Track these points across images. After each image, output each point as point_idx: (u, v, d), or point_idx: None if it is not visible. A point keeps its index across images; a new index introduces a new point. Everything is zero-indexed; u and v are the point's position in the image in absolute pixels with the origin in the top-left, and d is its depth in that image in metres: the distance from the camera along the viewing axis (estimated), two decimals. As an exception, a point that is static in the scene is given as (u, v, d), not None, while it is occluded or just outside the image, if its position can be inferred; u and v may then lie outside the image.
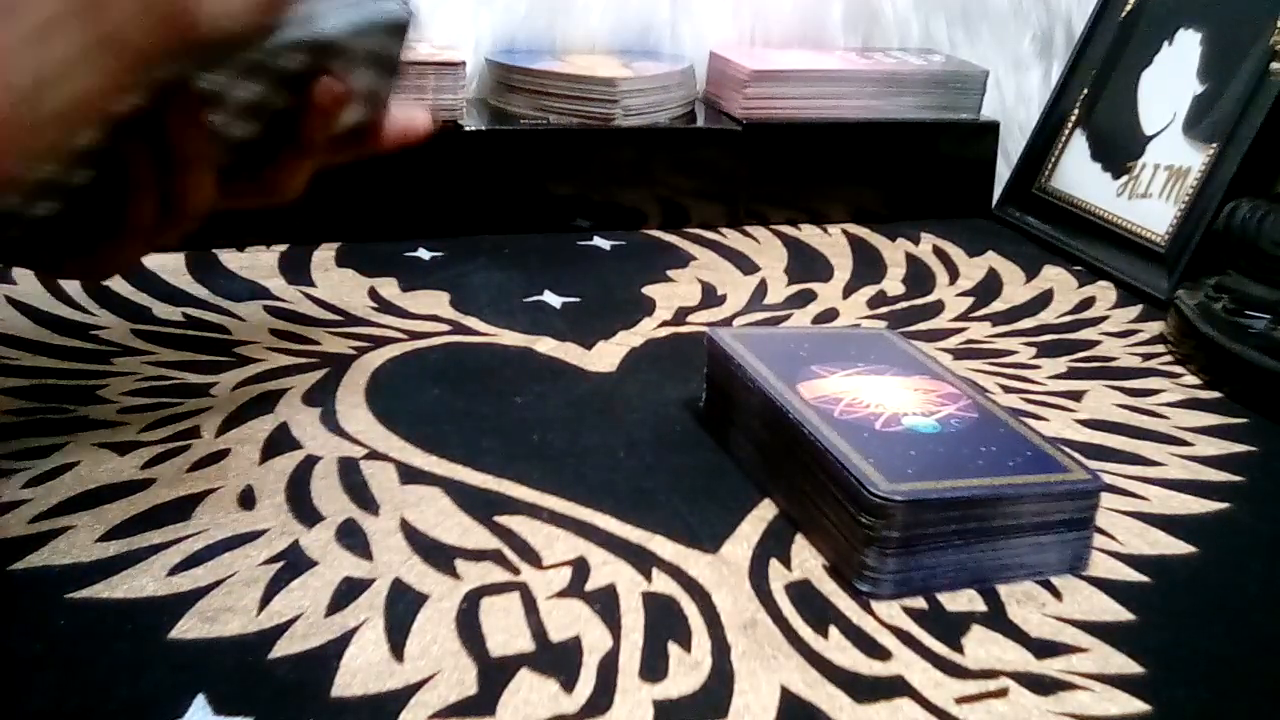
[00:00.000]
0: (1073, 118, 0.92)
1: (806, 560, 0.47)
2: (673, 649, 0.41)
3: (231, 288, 0.69)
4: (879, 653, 0.42)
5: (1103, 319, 0.76)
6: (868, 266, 0.83)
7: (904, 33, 1.00)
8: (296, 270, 0.73)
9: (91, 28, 0.36)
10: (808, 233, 0.89)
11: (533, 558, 0.46)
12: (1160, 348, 0.72)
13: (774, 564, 0.47)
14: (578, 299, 0.72)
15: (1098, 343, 0.72)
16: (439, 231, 0.80)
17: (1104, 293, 0.81)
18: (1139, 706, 0.40)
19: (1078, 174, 0.90)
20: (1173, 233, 0.80)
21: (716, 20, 0.95)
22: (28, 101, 0.35)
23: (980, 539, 0.46)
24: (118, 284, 0.68)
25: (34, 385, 0.56)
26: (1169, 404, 0.64)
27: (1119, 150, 0.87)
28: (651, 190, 0.87)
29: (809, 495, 0.48)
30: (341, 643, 0.40)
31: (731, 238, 0.87)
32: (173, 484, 0.49)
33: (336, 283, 0.72)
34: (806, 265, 0.82)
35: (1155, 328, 0.74)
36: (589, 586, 0.44)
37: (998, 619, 0.44)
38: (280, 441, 0.53)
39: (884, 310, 0.75)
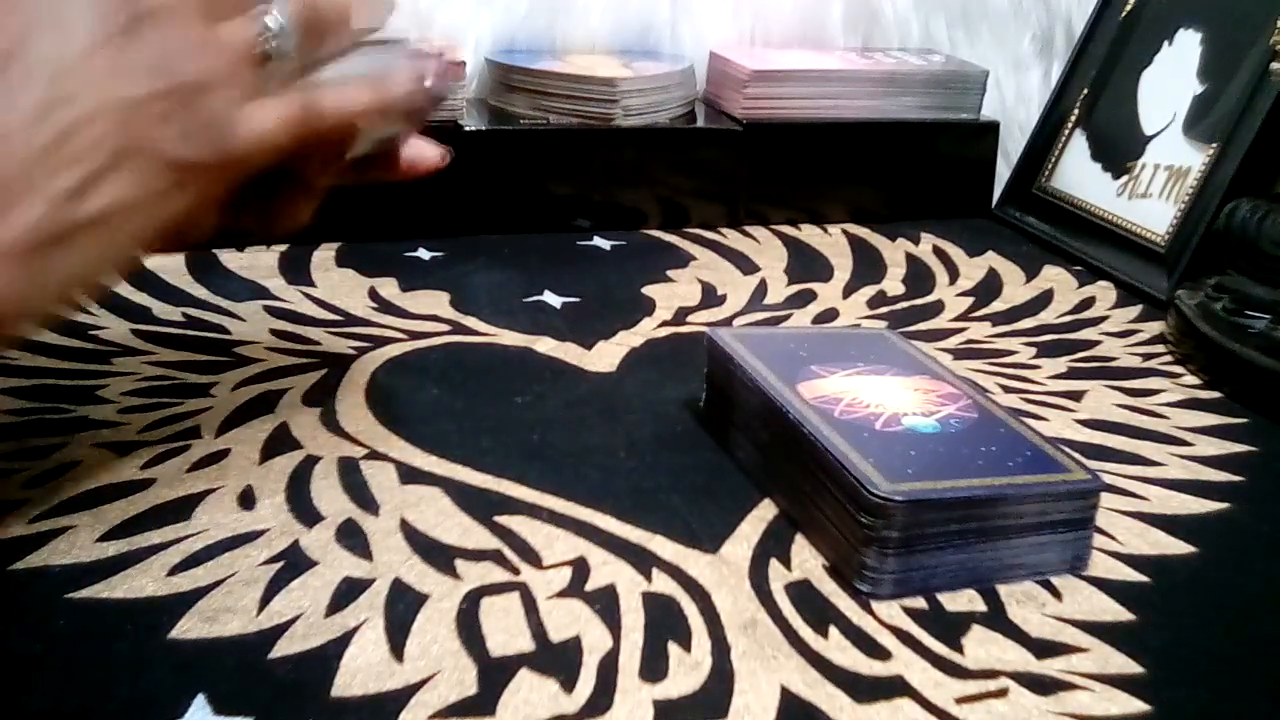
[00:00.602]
0: (1073, 118, 0.92)
1: (806, 560, 0.47)
2: (673, 649, 0.41)
3: (231, 288, 0.69)
4: (879, 653, 0.42)
5: (1103, 319, 0.76)
6: (868, 266, 0.83)
7: (904, 33, 1.00)
8: (296, 270, 0.73)
9: (146, 166, 0.37)
10: (808, 233, 0.89)
11: (533, 558, 0.46)
12: (1160, 348, 0.72)
13: (774, 564, 0.47)
14: (578, 299, 0.72)
15: (1098, 343, 0.72)
16: (439, 231, 0.81)
17: (1104, 293, 0.81)
18: (1139, 706, 0.40)
19: (1078, 174, 0.90)
20: (1173, 233, 0.80)
21: (716, 20, 0.95)
22: (62, 203, 0.36)
23: (980, 539, 0.46)
24: (118, 284, 0.68)
25: (34, 385, 0.56)
26: (1169, 404, 0.64)
27: (1119, 150, 0.87)
28: (651, 190, 0.87)
29: (809, 495, 0.48)
30: (341, 643, 0.40)
31: (731, 238, 0.87)
32: (173, 484, 0.49)
33: (336, 283, 0.72)
34: (806, 265, 0.82)
35: (1155, 328, 0.74)
36: (589, 586, 0.44)
37: (998, 619, 0.44)
38: (280, 441, 0.53)
39: (884, 310, 0.75)
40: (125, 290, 0.67)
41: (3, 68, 0.35)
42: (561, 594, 0.44)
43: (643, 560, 0.46)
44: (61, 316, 0.40)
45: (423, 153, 0.52)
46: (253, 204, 0.47)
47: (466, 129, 0.80)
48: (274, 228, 0.49)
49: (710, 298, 0.74)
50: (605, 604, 0.43)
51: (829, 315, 0.73)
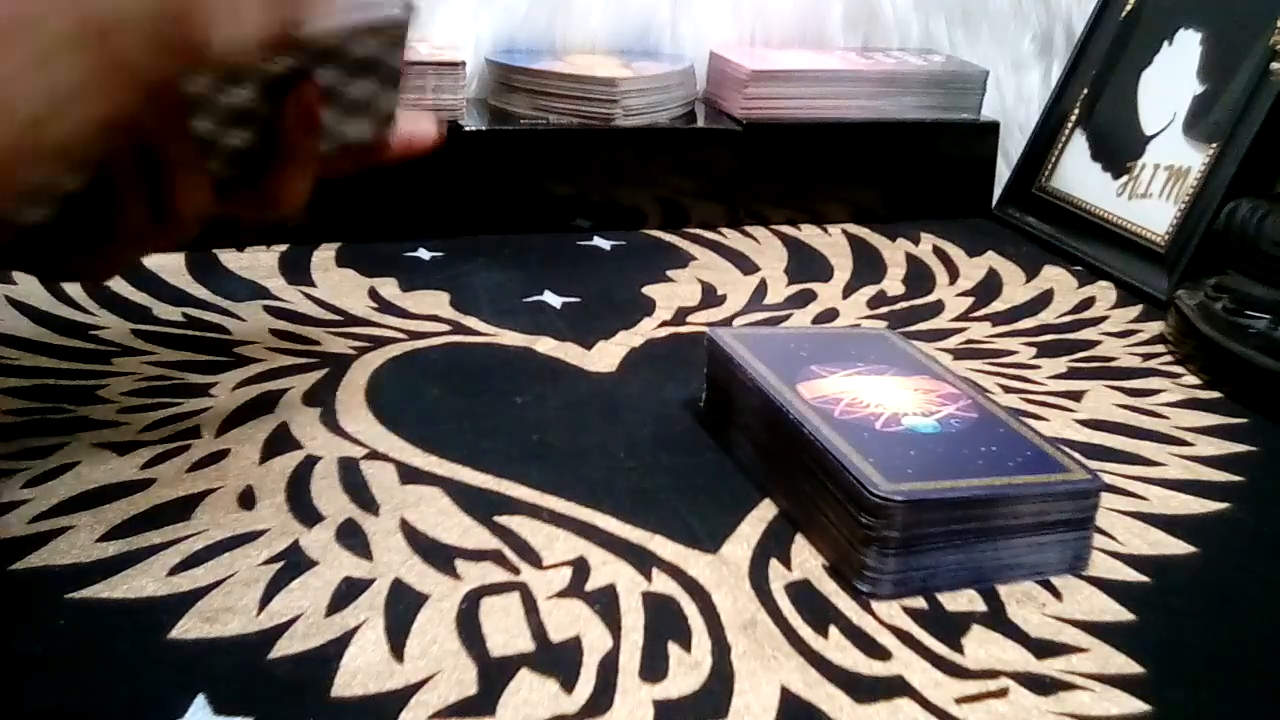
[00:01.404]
0: (1073, 118, 0.92)
1: (806, 560, 0.47)
2: (673, 649, 0.41)
3: (231, 288, 0.69)
4: (879, 653, 0.42)
5: (1103, 319, 0.76)
6: (868, 266, 0.83)
7: (904, 33, 1.00)
8: (296, 270, 0.73)
9: (97, 54, 0.35)
10: (808, 233, 0.89)
11: (533, 558, 0.46)
12: (1160, 348, 0.72)
13: (774, 564, 0.47)
14: (578, 299, 0.72)
15: (1098, 343, 0.72)
16: (439, 231, 0.80)
17: (1104, 293, 0.81)
18: (1139, 706, 0.40)
19: (1078, 174, 0.90)
20: (1173, 233, 0.80)
21: (716, 20, 0.94)
22: (31, 129, 0.34)
23: (980, 539, 0.46)
24: (118, 284, 0.68)
25: (34, 385, 0.56)
26: (1169, 404, 0.64)
27: (1119, 150, 0.87)
28: (651, 190, 0.87)
29: (809, 495, 0.48)
30: (341, 643, 0.40)
31: (731, 238, 0.87)
32: (173, 484, 0.49)
33: (336, 283, 0.72)
34: (806, 265, 0.82)
35: (1155, 328, 0.74)
36: (589, 586, 0.44)
37: (998, 619, 0.44)
38: (280, 441, 0.53)
39: (884, 310, 0.75)
40: (125, 290, 0.67)
41: None
42: (561, 594, 0.44)
43: (643, 560, 0.46)
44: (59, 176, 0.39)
45: (419, 128, 0.51)
46: (245, 190, 0.47)
47: (466, 129, 0.80)
48: (270, 207, 0.48)
49: (710, 298, 0.74)
50: (605, 604, 0.43)
51: (829, 315, 0.73)
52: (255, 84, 0.44)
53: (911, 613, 0.44)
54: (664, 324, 0.70)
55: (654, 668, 0.40)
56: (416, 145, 0.51)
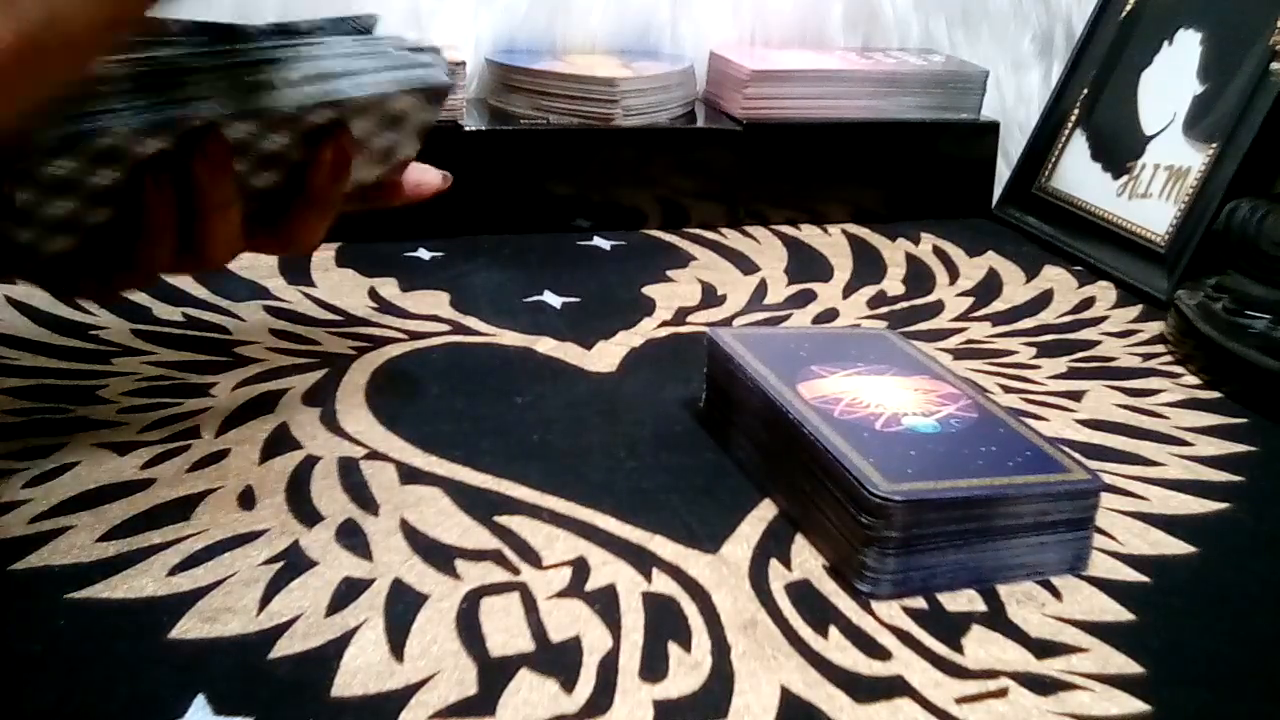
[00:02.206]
0: (1073, 118, 0.92)
1: (806, 560, 0.47)
2: (673, 649, 0.41)
3: (231, 288, 0.69)
4: (879, 653, 0.42)
5: (1103, 319, 0.76)
6: (868, 266, 0.83)
7: (904, 33, 1.00)
8: (296, 270, 0.73)
9: None
10: (808, 233, 0.89)
11: (533, 558, 0.46)
12: (1160, 348, 0.72)
13: (774, 564, 0.47)
14: (578, 299, 0.72)
15: (1098, 343, 0.72)
16: (439, 231, 0.80)
17: (1104, 293, 0.81)
18: (1139, 706, 0.40)
19: (1078, 174, 0.90)
20: (1173, 233, 0.80)
21: (716, 20, 0.94)
22: (42, 28, 0.34)
23: (980, 539, 0.46)
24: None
25: (34, 385, 0.56)
26: (1169, 404, 0.64)
27: (1119, 150, 0.87)
28: (651, 190, 0.87)
29: (809, 495, 0.48)
30: (341, 643, 0.40)
31: (731, 238, 0.87)
32: (173, 484, 0.49)
33: (336, 283, 0.72)
34: (806, 265, 0.82)
35: (1155, 328, 0.74)
36: (589, 586, 0.44)
37: (998, 619, 0.44)
38: (280, 441, 0.53)
39: (884, 310, 0.75)
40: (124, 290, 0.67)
41: None
42: (561, 594, 0.44)
43: (643, 560, 0.46)
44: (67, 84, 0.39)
45: (425, 177, 0.53)
46: (268, 220, 0.47)
47: (466, 129, 0.80)
48: (287, 246, 0.49)
49: (710, 298, 0.74)
50: (605, 604, 0.43)
51: (829, 315, 0.73)
52: (293, 132, 0.44)
53: (911, 613, 0.44)
54: (664, 324, 0.70)
55: (654, 668, 0.40)
56: (422, 192, 0.54)
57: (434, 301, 0.70)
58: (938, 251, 0.87)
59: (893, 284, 0.79)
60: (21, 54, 0.35)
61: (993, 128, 0.96)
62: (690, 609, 0.43)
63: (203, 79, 0.41)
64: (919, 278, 0.81)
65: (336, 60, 0.45)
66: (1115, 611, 0.45)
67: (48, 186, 0.40)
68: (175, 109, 0.41)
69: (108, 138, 0.39)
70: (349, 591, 0.43)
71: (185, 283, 0.69)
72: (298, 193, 0.47)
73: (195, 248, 0.45)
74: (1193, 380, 0.67)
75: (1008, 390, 0.64)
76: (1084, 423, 0.61)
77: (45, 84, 0.37)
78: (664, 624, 0.42)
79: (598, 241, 0.84)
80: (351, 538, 0.46)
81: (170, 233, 0.44)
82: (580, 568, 0.45)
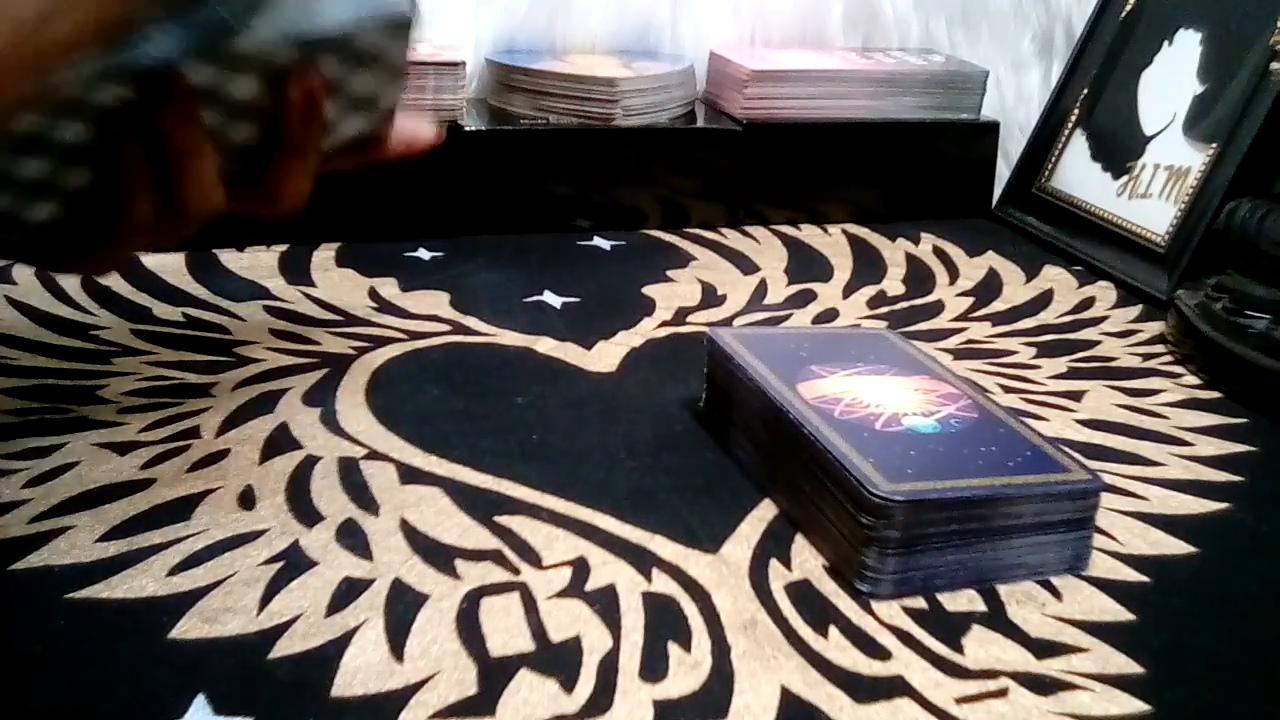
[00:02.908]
0: (1073, 118, 0.92)
1: (806, 560, 0.47)
2: (673, 649, 0.41)
3: (231, 288, 0.69)
4: (879, 653, 0.42)
5: (1103, 319, 0.76)
6: (868, 266, 0.83)
7: (904, 33, 1.00)
8: (296, 270, 0.73)
9: None
10: (808, 233, 0.89)
11: (533, 558, 0.46)
12: (1160, 348, 0.72)
13: (774, 564, 0.47)
14: (578, 299, 0.72)
15: (1098, 343, 0.72)
16: (439, 231, 0.80)
17: (1104, 293, 0.81)
18: (1139, 706, 0.40)
19: (1078, 174, 0.90)
20: (1173, 233, 0.80)
21: (716, 20, 0.94)
22: (34, 29, 0.34)
23: (980, 539, 0.46)
24: (118, 284, 0.68)
25: (34, 385, 0.56)
26: (1169, 404, 0.64)
27: (1119, 150, 0.87)
28: (651, 190, 0.87)
29: (809, 495, 0.48)
30: (341, 643, 0.40)
31: (731, 238, 0.87)
32: (173, 484, 0.49)
33: (336, 283, 0.72)
34: (806, 265, 0.82)
35: (1155, 328, 0.74)
36: (589, 586, 0.44)
37: (998, 619, 0.44)
38: (280, 441, 0.53)
39: (884, 310, 0.75)
40: (125, 290, 0.67)
41: None
42: (561, 594, 0.44)
43: (643, 560, 0.46)
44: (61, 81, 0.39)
45: (418, 131, 0.51)
46: (248, 186, 0.47)
47: (466, 129, 0.80)
48: (273, 204, 0.48)
49: (710, 298, 0.74)
50: (605, 604, 0.43)
51: (829, 315, 0.73)
52: (259, 76, 0.44)
53: (911, 613, 0.44)
54: (664, 324, 0.70)
55: (654, 668, 0.40)
56: (416, 146, 0.51)
57: (434, 301, 0.70)
58: (938, 251, 0.87)
59: (893, 284, 0.79)
60: (6, 60, 0.35)
61: (993, 128, 0.96)
62: (690, 609, 0.43)
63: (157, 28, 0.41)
64: (919, 278, 0.81)
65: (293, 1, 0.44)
66: (1115, 611, 0.45)
67: (14, 145, 0.40)
68: (128, 54, 0.40)
69: (64, 88, 0.39)
70: (349, 591, 0.43)
71: (185, 282, 0.69)
72: (275, 147, 0.46)
73: (174, 203, 0.44)
74: (1193, 380, 0.67)
75: (1008, 390, 0.64)
76: (1084, 423, 0.61)
77: (33, 83, 0.37)
78: (664, 624, 0.42)
79: (598, 241, 0.84)
80: (351, 538, 0.46)
81: (149, 188, 0.43)
82: (580, 568, 0.45)
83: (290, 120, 0.45)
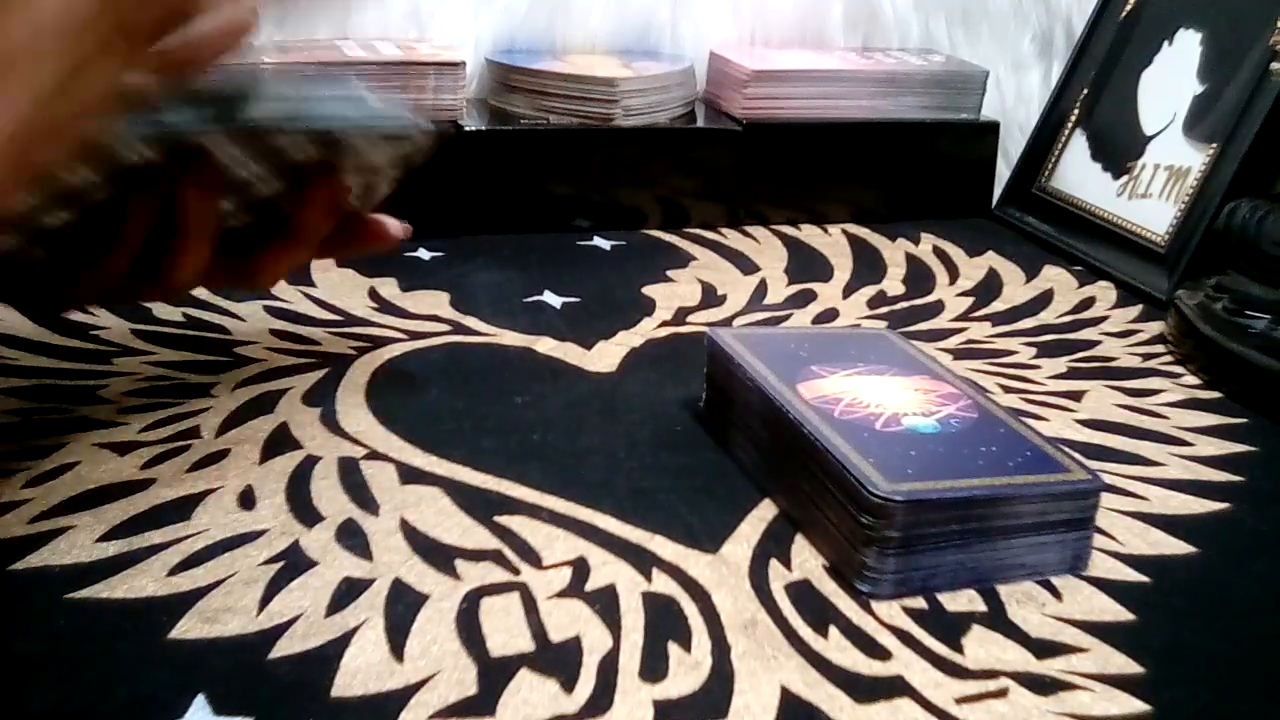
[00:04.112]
0: (1073, 118, 0.92)
1: (806, 560, 0.47)
2: (673, 649, 0.41)
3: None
4: (879, 653, 0.42)
5: (1103, 319, 0.76)
6: (868, 266, 0.83)
7: (904, 33, 1.00)
8: (296, 270, 0.73)
9: (105, 20, 0.36)
10: (808, 233, 0.89)
11: (533, 558, 0.46)
12: (1160, 348, 0.72)
13: (774, 564, 0.47)
14: (578, 299, 0.72)
15: (1098, 343, 0.72)
16: (439, 231, 0.80)
17: (1104, 293, 0.81)
18: (1139, 706, 0.40)
19: (1078, 174, 0.90)
20: (1173, 233, 0.80)
21: (716, 20, 0.94)
22: (45, 104, 0.35)
23: (980, 539, 0.46)
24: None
25: (34, 385, 0.56)
26: (1169, 404, 0.64)
27: (1119, 150, 0.87)
28: (651, 190, 0.87)
29: (809, 495, 0.48)
30: (341, 643, 0.40)
31: (731, 238, 0.87)
32: (173, 484, 0.49)
33: (336, 283, 0.72)
34: (806, 265, 0.82)
35: (1155, 328, 0.74)
36: (589, 586, 0.44)
37: (998, 619, 0.44)
38: (280, 441, 0.53)
39: (884, 310, 0.75)
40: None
41: None
42: (561, 594, 0.44)
43: (643, 560, 0.46)
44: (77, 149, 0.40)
45: (387, 226, 0.54)
46: (232, 260, 0.48)
47: (466, 129, 0.80)
48: (250, 282, 0.50)
49: (710, 298, 0.74)
50: (605, 604, 0.43)
51: (829, 315, 0.73)
52: (273, 165, 0.45)
53: (911, 613, 0.44)
54: (664, 324, 0.70)
55: (654, 668, 0.40)
56: (382, 243, 0.54)
57: (434, 301, 0.70)
58: (938, 251, 0.87)
59: (893, 284, 0.79)
60: (18, 139, 0.35)
61: (993, 128, 0.96)
62: (690, 609, 0.43)
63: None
64: (919, 278, 0.81)
65: (318, 99, 0.45)
66: (1115, 611, 0.45)
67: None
68: (165, 120, 0.41)
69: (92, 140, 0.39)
70: (349, 591, 0.43)
71: (185, 283, 0.69)
72: (275, 229, 0.47)
73: (161, 271, 0.45)
74: (1193, 380, 0.67)
75: (1008, 390, 0.64)
76: (1084, 423, 0.61)
77: (50, 155, 0.37)
78: (664, 624, 0.42)
79: (598, 241, 0.84)
80: (351, 538, 0.46)
81: (135, 248, 0.44)
82: (580, 568, 0.45)
83: (304, 216, 0.46)
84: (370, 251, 0.55)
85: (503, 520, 0.48)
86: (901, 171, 0.93)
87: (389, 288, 0.72)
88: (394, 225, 0.55)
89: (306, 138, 0.45)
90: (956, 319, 0.74)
